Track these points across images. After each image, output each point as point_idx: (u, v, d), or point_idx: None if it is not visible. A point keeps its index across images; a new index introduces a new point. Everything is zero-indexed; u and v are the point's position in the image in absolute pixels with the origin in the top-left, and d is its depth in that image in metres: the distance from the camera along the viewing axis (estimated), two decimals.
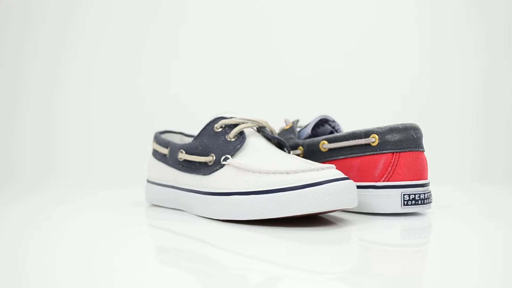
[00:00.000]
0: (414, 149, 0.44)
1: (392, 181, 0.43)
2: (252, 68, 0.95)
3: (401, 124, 0.44)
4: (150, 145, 0.92)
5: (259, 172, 0.40)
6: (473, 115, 0.92)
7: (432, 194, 0.45)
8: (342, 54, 0.95)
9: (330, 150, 0.48)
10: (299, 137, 0.53)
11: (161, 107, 0.94)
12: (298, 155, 0.52)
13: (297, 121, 0.56)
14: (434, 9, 0.95)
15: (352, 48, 0.95)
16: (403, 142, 0.44)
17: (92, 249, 0.35)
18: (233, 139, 0.44)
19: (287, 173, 0.39)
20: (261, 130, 0.46)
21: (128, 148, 0.90)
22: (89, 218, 0.48)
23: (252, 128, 0.46)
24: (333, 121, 0.54)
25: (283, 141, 0.46)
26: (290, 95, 0.93)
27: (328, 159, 0.49)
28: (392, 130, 0.44)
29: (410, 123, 0.44)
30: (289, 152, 0.46)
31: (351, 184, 0.38)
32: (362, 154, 0.46)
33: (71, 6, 0.94)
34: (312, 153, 0.50)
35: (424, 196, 0.43)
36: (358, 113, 0.84)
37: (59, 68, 0.93)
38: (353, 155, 0.46)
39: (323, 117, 0.54)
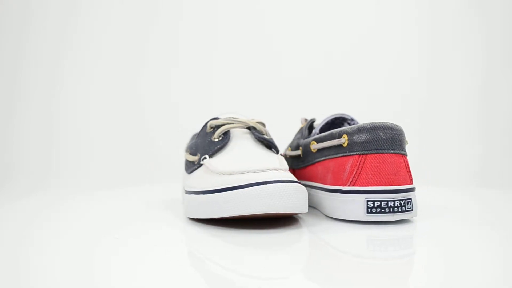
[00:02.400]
0: (382, 151, 0.38)
1: (357, 185, 0.38)
2: (250, 68, 0.94)
3: (370, 123, 0.39)
4: (149, 145, 0.93)
5: (215, 173, 0.39)
6: (473, 115, 0.89)
7: (413, 201, 0.39)
8: (342, 54, 0.93)
9: (318, 150, 0.45)
10: (307, 137, 0.51)
11: (163, 107, 0.94)
12: (298, 155, 0.50)
13: (312, 120, 0.53)
14: (434, 9, 0.94)
15: (352, 48, 0.93)
16: (370, 143, 0.38)
17: (91, 249, 0.34)
18: (216, 140, 0.44)
19: (230, 174, 0.38)
20: (251, 130, 0.46)
21: (128, 148, 0.90)
22: (89, 218, 0.47)
23: (246, 129, 0.46)
24: (352, 120, 0.50)
25: (270, 141, 0.45)
26: (293, 95, 0.91)
27: (317, 160, 0.46)
28: (360, 130, 0.39)
29: (380, 122, 0.39)
30: (277, 153, 0.45)
31: (287, 187, 0.35)
32: (336, 156, 0.42)
33: (71, 6, 0.94)
34: (307, 154, 0.48)
35: (394, 204, 0.37)
36: (358, 113, 0.83)
37: (59, 68, 0.93)
38: (330, 157, 0.43)
39: (339, 116, 0.50)
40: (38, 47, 0.92)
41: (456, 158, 0.87)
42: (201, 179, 0.41)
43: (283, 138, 0.59)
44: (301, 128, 0.53)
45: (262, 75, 0.93)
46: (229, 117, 0.47)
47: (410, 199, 0.39)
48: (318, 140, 0.46)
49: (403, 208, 0.38)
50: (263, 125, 0.48)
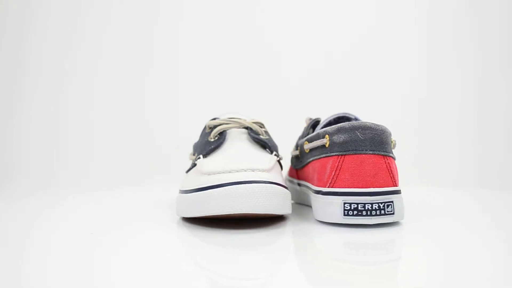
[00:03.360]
0: (360, 151, 0.36)
1: (335, 187, 0.37)
2: (254, 69, 0.92)
3: (349, 123, 0.37)
4: (148, 145, 0.94)
5: (200, 172, 0.39)
6: (473, 115, 0.87)
7: (395, 205, 0.36)
8: (342, 54, 0.92)
9: (310, 150, 0.44)
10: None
11: (163, 107, 0.93)
12: (297, 155, 0.50)
13: (316, 120, 0.51)
14: (434, 9, 0.93)
15: (352, 48, 0.92)
16: (348, 143, 0.37)
17: (91, 249, 0.34)
18: (212, 140, 0.44)
19: (209, 174, 0.38)
20: (248, 130, 0.46)
21: (128, 149, 0.90)
22: (89, 218, 0.47)
23: (244, 129, 0.46)
24: (356, 119, 0.48)
25: (264, 141, 0.45)
26: (301, 95, 0.90)
27: (308, 160, 0.45)
28: (339, 130, 0.38)
29: (359, 122, 0.37)
30: (271, 153, 0.44)
31: (257, 188, 0.35)
32: (320, 156, 0.41)
33: (72, 6, 0.94)
34: (302, 154, 0.47)
35: (372, 207, 0.36)
36: (358, 114, 0.83)
37: (59, 68, 0.93)
38: (317, 157, 0.42)
39: (342, 115, 0.48)
40: (38, 48, 0.92)
41: (456, 158, 0.86)
42: (191, 178, 0.41)
43: (290, 139, 0.59)
44: (305, 128, 0.52)
45: (267, 75, 0.93)
46: (228, 118, 0.47)
47: (391, 202, 0.36)
48: (309, 140, 0.45)
49: (382, 212, 0.36)
50: (261, 125, 0.47)
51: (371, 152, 0.37)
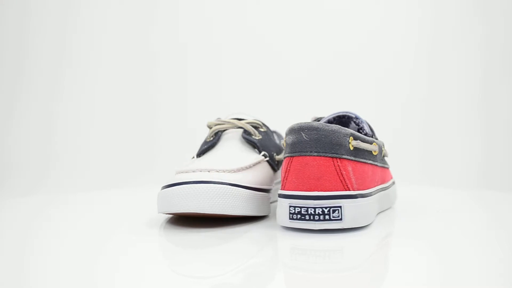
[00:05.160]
0: (305, 153, 0.35)
1: (285, 189, 0.36)
2: (254, 69, 0.94)
3: (298, 124, 0.36)
4: (148, 145, 0.94)
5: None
6: (474, 115, 0.86)
7: (344, 210, 0.34)
8: (342, 54, 0.91)
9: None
10: None
11: (163, 107, 0.94)
12: None
13: (318, 119, 0.49)
14: (434, 10, 0.94)
15: (352, 48, 0.91)
16: (295, 144, 0.35)
17: (91, 249, 0.34)
18: (207, 140, 0.46)
19: (176, 173, 0.38)
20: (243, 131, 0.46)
21: (128, 149, 0.90)
22: (89, 218, 0.47)
23: (241, 129, 0.47)
24: (357, 118, 0.47)
25: (254, 142, 0.45)
26: (295, 95, 0.90)
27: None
28: (290, 131, 0.36)
29: (307, 123, 0.36)
30: (259, 152, 0.45)
31: (203, 188, 0.35)
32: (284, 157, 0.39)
33: (72, 6, 0.94)
34: None
35: (315, 212, 0.34)
36: (362, 113, 0.83)
37: (59, 68, 0.93)
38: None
39: (343, 114, 0.47)
40: (37, 48, 0.92)
41: (456, 158, 0.85)
42: None
43: None
44: None
45: (272, 75, 0.93)
46: (230, 118, 0.47)
47: (339, 207, 0.34)
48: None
49: (327, 217, 0.34)
50: (258, 125, 0.48)
51: (315, 154, 0.35)
